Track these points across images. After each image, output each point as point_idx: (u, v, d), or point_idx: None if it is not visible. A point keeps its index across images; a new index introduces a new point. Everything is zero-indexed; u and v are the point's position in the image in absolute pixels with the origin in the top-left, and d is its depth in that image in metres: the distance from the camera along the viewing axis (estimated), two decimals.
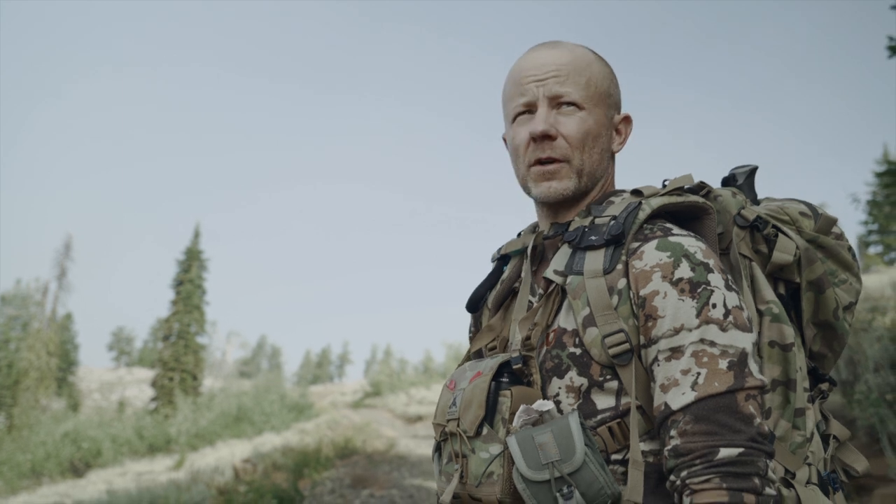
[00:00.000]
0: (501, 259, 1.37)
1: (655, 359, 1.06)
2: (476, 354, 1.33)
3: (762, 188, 1.37)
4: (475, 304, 1.38)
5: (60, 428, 24.94)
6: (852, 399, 5.91)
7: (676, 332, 1.05)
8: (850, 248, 1.29)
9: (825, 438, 1.25)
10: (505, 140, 1.31)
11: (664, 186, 1.23)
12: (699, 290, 1.06)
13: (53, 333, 34.74)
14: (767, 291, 1.18)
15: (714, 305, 1.05)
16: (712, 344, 1.03)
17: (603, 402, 1.10)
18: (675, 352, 1.05)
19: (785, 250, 1.20)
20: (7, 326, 34.88)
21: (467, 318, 1.43)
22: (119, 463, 21.78)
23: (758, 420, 1.02)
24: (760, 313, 1.16)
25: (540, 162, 1.21)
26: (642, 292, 1.08)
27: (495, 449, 1.08)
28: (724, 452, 0.98)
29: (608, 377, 1.09)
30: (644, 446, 1.08)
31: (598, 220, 1.17)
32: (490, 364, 1.14)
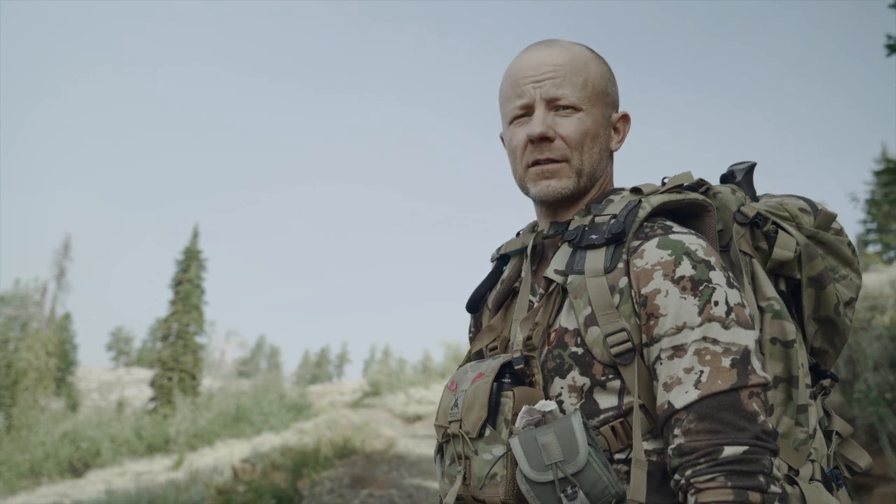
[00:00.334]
0: (501, 259, 1.37)
1: (658, 357, 1.06)
2: (477, 355, 1.32)
3: (761, 187, 1.37)
4: (475, 305, 1.37)
5: (59, 428, 24.91)
6: (851, 398, 5.91)
7: (679, 330, 1.04)
8: (850, 244, 1.28)
9: (828, 435, 1.24)
10: (503, 139, 1.31)
11: (664, 184, 1.22)
12: (701, 287, 1.05)
13: (52, 333, 34.71)
14: (768, 288, 1.17)
15: (716, 303, 1.05)
16: (715, 342, 1.03)
17: (606, 401, 1.09)
18: (678, 350, 1.04)
19: (785, 247, 1.20)
20: (6, 326, 34.84)
21: (466, 317, 1.43)
22: (118, 463, 21.77)
23: (762, 417, 1.01)
24: (762, 310, 1.16)
25: (538, 163, 1.20)
26: (644, 291, 1.07)
27: (498, 450, 1.07)
28: (729, 451, 0.98)
29: (610, 376, 1.09)
30: (647, 445, 1.08)
31: (598, 219, 1.17)
32: (492, 365, 1.14)
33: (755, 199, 1.32)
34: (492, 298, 1.35)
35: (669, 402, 1.04)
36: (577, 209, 1.24)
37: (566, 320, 1.14)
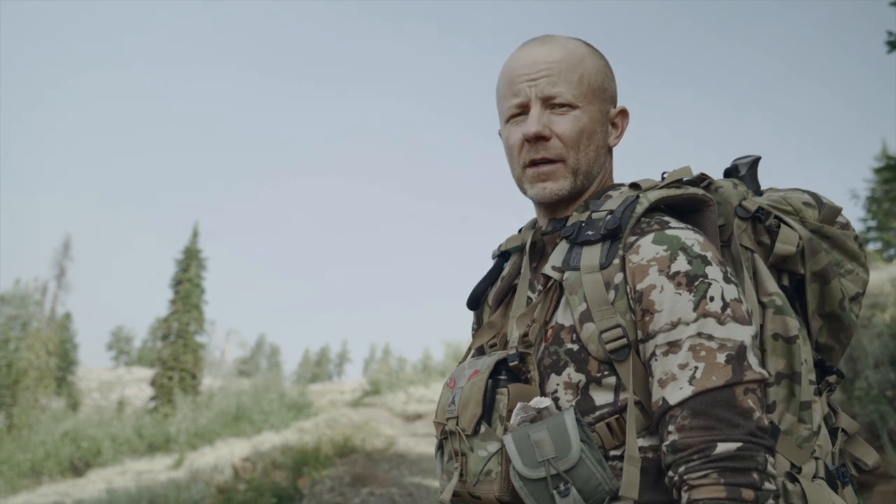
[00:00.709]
0: (502, 256, 1.36)
1: (653, 353, 1.05)
2: (478, 351, 1.32)
3: (762, 185, 1.36)
4: (476, 301, 1.37)
5: (60, 427, 24.94)
6: (852, 395, 5.91)
7: (674, 326, 1.04)
8: (856, 238, 1.27)
9: (833, 432, 1.23)
10: (501, 136, 1.30)
11: (663, 179, 1.21)
12: (696, 283, 1.05)
13: (53, 333, 34.74)
14: (770, 283, 1.16)
15: (712, 298, 1.04)
16: (710, 338, 1.02)
17: (601, 398, 1.09)
18: (673, 346, 1.03)
19: (787, 241, 1.18)
20: (6, 326, 34.87)
21: (467, 316, 1.43)
22: (119, 462, 21.78)
23: (757, 414, 1.01)
24: (763, 305, 1.14)
25: (534, 163, 1.19)
26: (639, 286, 1.07)
27: (493, 447, 1.07)
28: (722, 447, 0.98)
29: (606, 373, 1.08)
30: (643, 442, 1.07)
31: (595, 215, 1.16)
32: (487, 362, 1.14)
33: (759, 193, 1.31)
34: (492, 295, 1.34)
35: (664, 399, 1.03)
36: (575, 205, 1.23)
37: (562, 317, 1.14)
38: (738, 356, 1.02)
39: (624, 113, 1.26)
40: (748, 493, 0.96)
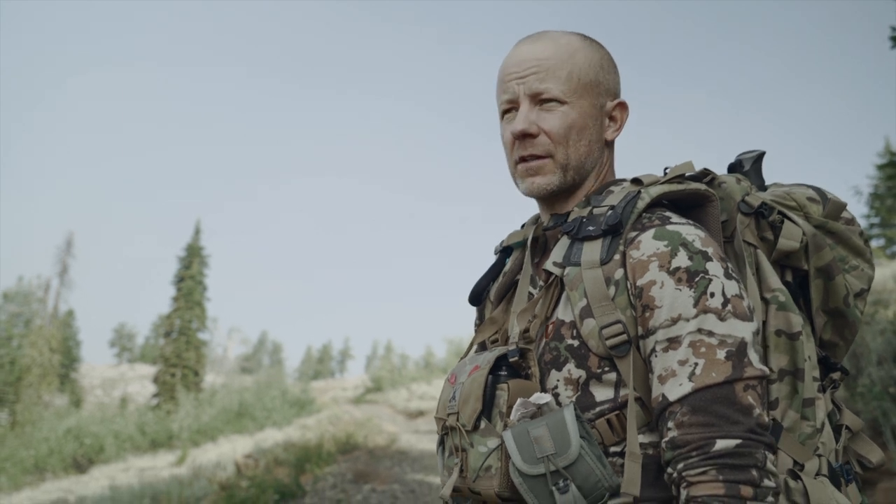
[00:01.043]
0: (504, 251, 1.36)
1: (653, 349, 1.05)
2: (480, 347, 1.31)
3: (766, 180, 1.34)
4: (477, 297, 1.37)
5: (63, 424, 25.00)
6: (855, 392, 5.90)
7: (674, 322, 1.03)
8: (861, 234, 1.25)
9: (837, 429, 1.22)
10: None
11: (665, 175, 1.21)
12: (697, 279, 1.04)
13: (55, 330, 34.81)
14: (773, 279, 1.15)
15: (712, 294, 1.03)
16: (710, 334, 1.02)
17: (601, 394, 1.08)
18: (673, 342, 1.03)
19: (791, 237, 1.17)
20: (9, 323, 34.94)
21: (469, 313, 1.42)
22: (121, 459, 21.84)
23: (757, 411, 1.00)
24: (766, 301, 1.14)
25: (524, 159, 1.20)
26: (639, 282, 1.06)
27: (493, 443, 1.06)
28: (721, 444, 0.97)
29: (606, 369, 1.08)
30: (643, 438, 1.07)
31: (596, 211, 1.16)
32: (487, 357, 1.13)
33: (763, 188, 1.30)
34: (494, 291, 1.34)
35: (664, 395, 1.03)
36: (575, 201, 1.23)
37: (563, 312, 1.13)
38: (738, 353, 1.01)
39: (622, 106, 1.25)
40: (747, 490, 0.95)
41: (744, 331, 1.03)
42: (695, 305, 1.03)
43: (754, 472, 0.96)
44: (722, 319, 1.02)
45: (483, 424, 1.08)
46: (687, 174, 1.22)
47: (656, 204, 1.17)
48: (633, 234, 1.10)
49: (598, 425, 1.07)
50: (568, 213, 1.21)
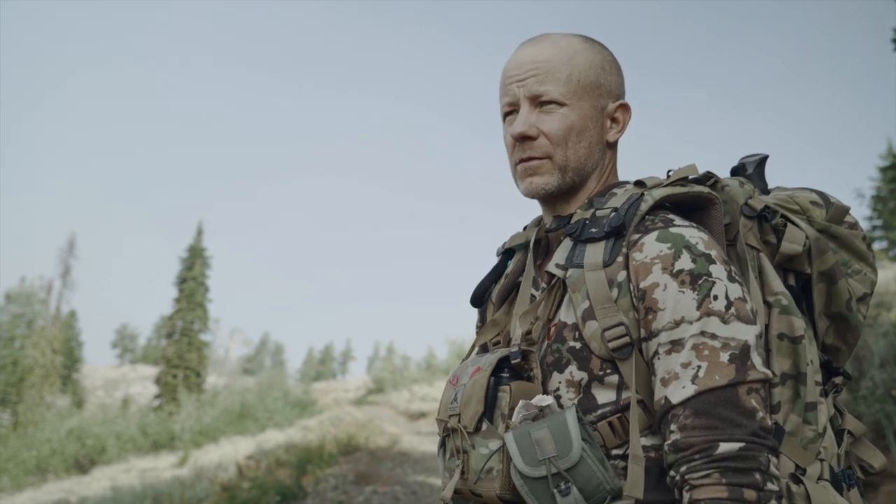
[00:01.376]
0: (506, 253, 1.36)
1: (656, 352, 1.05)
2: (481, 349, 1.31)
3: (769, 182, 1.34)
4: (479, 299, 1.37)
5: (65, 425, 25.02)
6: (857, 395, 5.89)
7: (677, 324, 1.03)
8: (864, 238, 1.25)
9: (839, 433, 1.21)
10: None
11: (668, 177, 1.21)
12: (700, 281, 1.04)
13: (58, 331, 34.85)
14: (776, 283, 1.15)
15: (715, 297, 1.03)
16: (713, 336, 1.02)
17: (603, 396, 1.08)
18: (676, 345, 1.03)
19: (794, 240, 1.17)
20: (12, 324, 35.00)
21: (471, 314, 1.42)
22: (123, 460, 21.85)
23: (760, 414, 1.00)
24: (769, 305, 1.13)
25: (523, 161, 1.21)
26: (642, 284, 1.06)
27: (494, 444, 1.06)
28: (724, 447, 0.97)
29: (608, 371, 1.08)
30: (645, 441, 1.06)
31: (599, 213, 1.15)
32: (489, 359, 1.13)
33: (766, 192, 1.30)
34: (496, 292, 1.34)
35: (666, 398, 1.02)
36: (578, 203, 1.23)
37: (565, 315, 1.13)
38: (741, 355, 1.01)
39: (624, 107, 1.25)
40: (750, 494, 0.95)
41: (747, 334, 1.03)
42: (698, 308, 1.03)
43: (757, 476, 0.96)
44: (725, 322, 1.02)
45: (485, 426, 1.08)
46: (690, 177, 1.21)
47: (659, 206, 1.17)
48: (636, 236, 1.10)
49: (600, 428, 1.07)
50: (571, 215, 1.21)
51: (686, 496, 0.98)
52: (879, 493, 4.72)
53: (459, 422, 1.11)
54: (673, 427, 1.01)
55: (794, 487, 1.07)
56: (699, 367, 1.01)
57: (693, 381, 1.00)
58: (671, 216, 1.13)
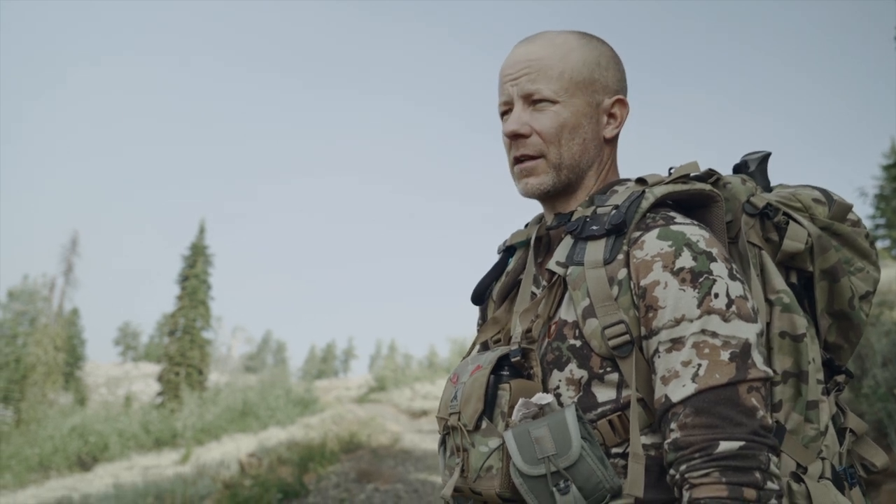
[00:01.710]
0: (507, 250, 1.35)
1: (656, 350, 1.04)
2: (483, 347, 1.31)
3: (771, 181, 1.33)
4: (480, 296, 1.36)
5: (68, 422, 25.09)
6: (860, 394, 5.88)
7: (677, 322, 1.03)
8: (867, 236, 1.24)
9: (841, 432, 1.21)
10: None
11: (670, 175, 1.20)
12: (701, 279, 1.03)
13: (60, 328, 34.94)
14: (778, 280, 1.14)
15: (716, 295, 1.03)
16: (714, 335, 1.01)
17: (603, 394, 1.08)
18: (676, 343, 1.02)
19: (796, 238, 1.17)
20: (15, 322, 35.09)
21: (472, 313, 1.42)
22: (126, 457, 21.89)
23: (761, 413, 0.99)
24: (770, 303, 1.13)
25: (518, 160, 1.21)
26: (643, 282, 1.06)
27: (494, 443, 1.06)
28: (725, 446, 0.96)
29: (608, 369, 1.07)
30: (646, 440, 1.06)
31: (600, 210, 1.15)
32: (489, 357, 1.13)
33: (769, 189, 1.29)
34: (497, 290, 1.33)
35: (667, 396, 1.02)
36: (578, 200, 1.22)
37: (566, 312, 1.13)
38: (742, 354, 1.01)
39: (621, 103, 1.23)
40: (750, 493, 0.95)
41: (748, 332, 1.02)
42: (699, 306, 1.02)
43: (758, 475, 0.96)
44: (726, 320, 1.02)
45: (484, 424, 1.08)
46: (692, 174, 1.21)
47: (661, 204, 1.16)
48: (637, 233, 1.10)
49: (600, 426, 1.07)
50: (572, 213, 1.20)
51: (686, 495, 0.98)
52: (881, 491, 4.72)
53: (459, 420, 1.10)
54: (673, 425, 1.01)
55: (795, 486, 1.06)
56: (699, 365, 1.00)
57: (693, 380, 1.00)
58: (672, 214, 1.13)
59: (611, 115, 1.23)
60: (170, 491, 9.97)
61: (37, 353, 32.35)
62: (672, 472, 1.01)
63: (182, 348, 33.40)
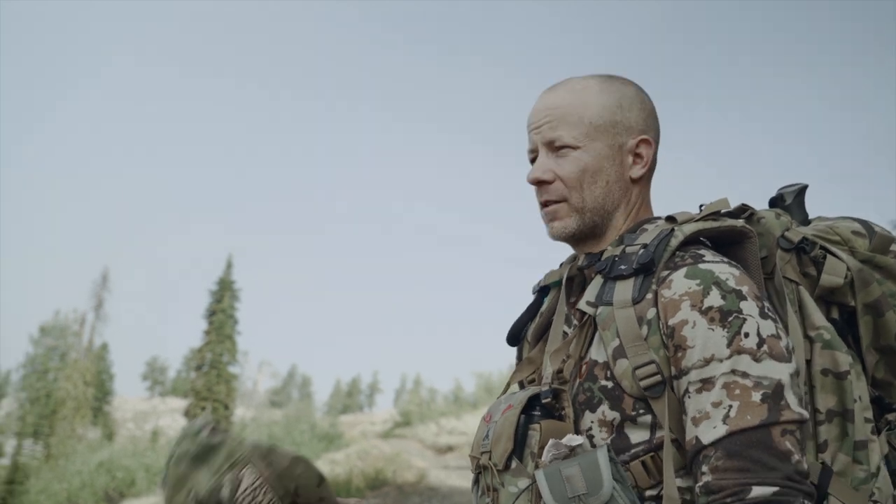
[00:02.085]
0: (541, 290, 1.36)
1: (686, 390, 1.04)
2: (519, 387, 1.31)
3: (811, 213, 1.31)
4: (515, 337, 1.37)
5: (95, 457, 25.22)
6: None
7: (707, 362, 1.02)
8: None
9: (895, 473, 1.16)
10: None
11: (700, 211, 1.20)
12: (730, 318, 1.03)
13: (90, 363, 35.37)
14: (817, 316, 1.13)
15: (746, 335, 1.02)
16: (745, 375, 1.00)
17: (637, 436, 1.07)
18: (706, 383, 1.02)
19: (834, 272, 1.15)
20: (46, 357, 35.62)
21: (498, 347, 1.43)
22: (152, 493, 21.90)
23: (796, 457, 0.98)
24: (811, 340, 1.11)
25: (543, 205, 1.24)
26: (671, 322, 1.05)
27: (523, 483, 1.06)
28: (758, 491, 0.95)
29: (641, 411, 1.07)
30: (680, 482, 1.05)
31: (629, 249, 1.15)
32: (520, 397, 1.13)
33: (806, 222, 1.27)
34: (531, 331, 1.34)
35: (697, 438, 1.01)
36: (608, 240, 1.23)
37: (596, 352, 1.13)
38: (774, 395, 0.99)
39: (646, 142, 1.23)
40: None
41: (780, 372, 1.01)
42: (728, 346, 1.02)
43: None
44: (757, 360, 1.01)
45: (514, 464, 1.08)
46: (723, 211, 1.21)
47: (692, 242, 1.16)
48: (665, 272, 1.10)
49: (633, 468, 1.06)
50: (602, 252, 1.21)
51: None
52: None
53: (490, 459, 1.11)
54: (704, 468, 0.99)
55: None
56: (730, 406, 0.99)
57: (724, 421, 0.99)
58: (702, 252, 1.12)
59: (636, 156, 1.23)
60: None
61: (67, 388, 32.73)
62: None
63: (209, 383, 33.58)
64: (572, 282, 1.27)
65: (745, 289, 1.06)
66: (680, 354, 1.04)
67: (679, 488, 1.04)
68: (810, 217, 1.30)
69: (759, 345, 1.02)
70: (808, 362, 1.10)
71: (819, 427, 1.08)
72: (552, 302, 1.32)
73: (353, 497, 1.43)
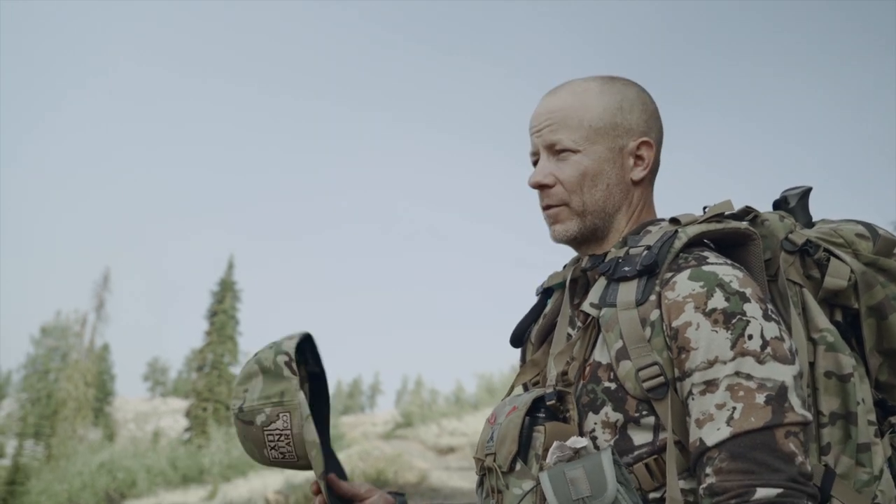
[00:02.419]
0: (545, 292, 1.36)
1: (690, 392, 1.04)
2: (522, 390, 1.31)
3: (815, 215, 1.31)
4: (518, 339, 1.37)
5: (96, 458, 25.27)
6: None
7: (710, 364, 1.02)
8: None
9: None
10: None
11: (704, 213, 1.21)
12: (734, 320, 1.03)
13: (91, 364, 35.42)
14: (821, 319, 1.13)
15: (750, 336, 1.02)
16: (748, 377, 1.00)
17: (640, 437, 1.08)
18: (710, 385, 1.02)
19: (837, 275, 1.16)
20: (47, 357, 35.67)
21: (500, 348, 1.43)
22: (153, 493, 21.95)
23: (799, 459, 0.98)
24: (814, 342, 1.12)
25: (544, 210, 1.25)
26: (675, 324, 1.06)
27: (527, 485, 1.06)
28: (762, 492, 0.95)
29: (644, 412, 1.07)
30: (684, 484, 1.05)
31: (632, 251, 1.15)
32: (524, 399, 1.13)
33: (810, 225, 1.28)
34: (535, 332, 1.34)
35: (701, 440, 1.01)
36: (611, 242, 1.23)
37: (599, 354, 1.13)
38: (778, 397, 1.00)
39: (647, 144, 1.23)
40: None
41: (784, 374, 1.01)
42: (732, 348, 1.02)
43: None
44: (761, 362, 1.01)
45: (518, 466, 1.08)
46: (727, 213, 1.21)
47: (695, 244, 1.16)
48: (669, 274, 1.10)
49: (637, 470, 1.06)
50: (606, 254, 1.21)
51: None
52: None
53: (495, 461, 1.11)
54: (708, 470, 1.00)
55: None
56: (734, 408, 1.00)
57: (728, 423, 0.99)
58: (705, 254, 1.13)
59: (637, 158, 1.23)
60: None
61: (68, 389, 32.78)
62: None
63: (210, 384, 33.62)
64: (576, 283, 1.27)
65: (748, 291, 1.06)
66: (683, 356, 1.04)
67: (682, 490, 1.05)
68: (814, 219, 1.31)
69: (763, 347, 1.02)
70: (812, 364, 1.11)
71: (822, 429, 1.08)
72: (556, 304, 1.32)
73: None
